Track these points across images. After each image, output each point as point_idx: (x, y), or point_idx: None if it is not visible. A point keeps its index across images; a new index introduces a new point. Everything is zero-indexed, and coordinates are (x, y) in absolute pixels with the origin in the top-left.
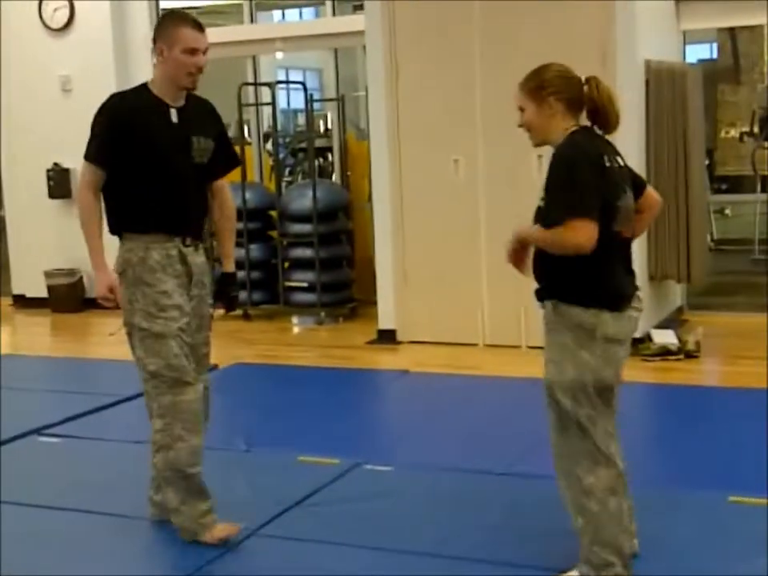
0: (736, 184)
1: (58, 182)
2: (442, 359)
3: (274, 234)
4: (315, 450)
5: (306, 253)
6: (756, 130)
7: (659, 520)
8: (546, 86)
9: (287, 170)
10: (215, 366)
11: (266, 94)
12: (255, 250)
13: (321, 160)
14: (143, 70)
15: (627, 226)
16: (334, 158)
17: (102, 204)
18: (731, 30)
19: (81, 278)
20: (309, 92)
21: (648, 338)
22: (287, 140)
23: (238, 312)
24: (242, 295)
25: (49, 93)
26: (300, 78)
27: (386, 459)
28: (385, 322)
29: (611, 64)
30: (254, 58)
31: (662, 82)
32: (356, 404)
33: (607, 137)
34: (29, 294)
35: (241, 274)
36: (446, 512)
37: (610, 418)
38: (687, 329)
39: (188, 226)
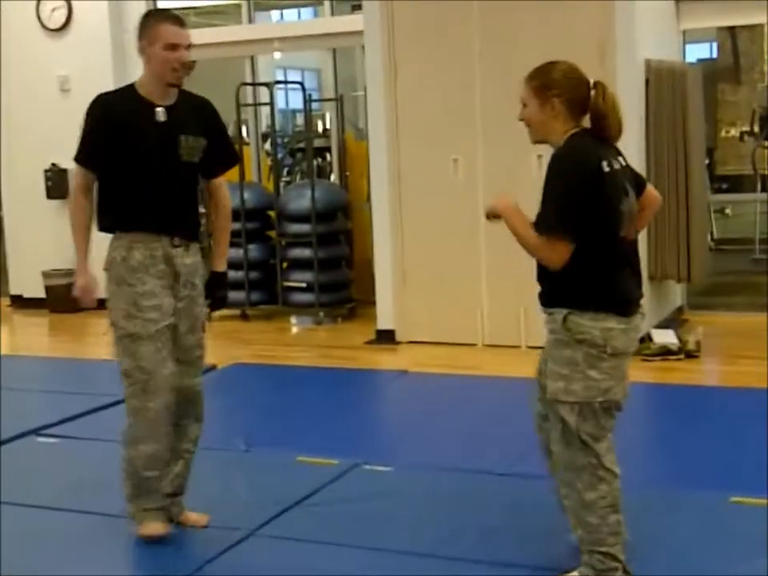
0: (736, 183)
1: (56, 183)
2: (441, 359)
3: (273, 234)
4: (314, 451)
5: (304, 253)
6: (756, 129)
7: (660, 520)
8: (552, 86)
9: (285, 170)
10: (214, 366)
11: (264, 94)
12: (253, 250)
13: (319, 160)
14: (141, 70)
15: (630, 229)
16: (333, 157)
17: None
18: (731, 29)
19: None
20: (307, 92)
21: (648, 337)
22: (285, 140)
23: (236, 312)
24: (241, 295)
25: (47, 93)
26: (298, 78)
27: (386, 459)
28: (384, 322)
29: (611, 63)
30: (252, 58)
31: (661, 82)
32: (355, 404)
33: None
34: (26, 295)
35: (239, 274)
36: (446, 512)
37: (611, 431)
38: (687, 328)
39: (175, 226)
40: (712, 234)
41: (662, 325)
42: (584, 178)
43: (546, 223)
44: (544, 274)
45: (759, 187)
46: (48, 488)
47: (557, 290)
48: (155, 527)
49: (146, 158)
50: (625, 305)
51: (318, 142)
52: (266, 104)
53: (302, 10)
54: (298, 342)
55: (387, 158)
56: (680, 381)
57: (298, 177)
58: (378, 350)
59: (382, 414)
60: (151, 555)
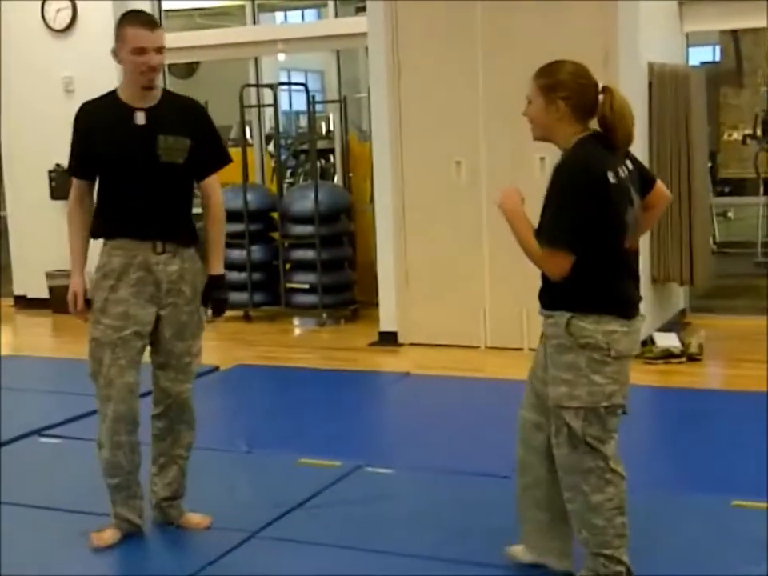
0: (738, 187)
1: (60, 183)
2: (444, 361)
3: (276, 235)
4: (316, 452)
5: (307, 254)
6: (759, 132)
7: (661, 523)
8: (559, 87)
9: (289, 172)
10: (216, 368)
11: (268, 96)
12: (256, 252)
13: (322, 162)
14: None
15: (634, 239)
16: (336, 159)
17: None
18: (734, 32)
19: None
20: (311, 93)
21: (650, 340)
22: (289, 141)
23: (239, 313)
24: (244, 297)
25: (51, 94)
26: (302, 80)
27: (388, 462)
28: (386, 323)
29: (614, 66)
30: (256, 59)
31: (665, 85)
32: (357, 406)
33: None
34: (30, 295)
35: (242, 276)
36: (448, 515)
37: (616, 431)
38: (690, 332)
39: (157, 231)
40: (714, 237)
41: (665, 328)
42: (589, 191)
43: (549, 235)
44: (546, 278)
45: (762, 190)
46: (50, 488)
47: (559, 293)
48: (99, 537)
49: (123, 161)
50: (627, 307)
51: (321, 144)
52: (269, 105)
53: (306, 11)
54: (301, 343)
55: (390, 159)
56: (682, 384)
57: (301, 178)
58: (381, 351)
59: (384, 415)
60: (152, 557)
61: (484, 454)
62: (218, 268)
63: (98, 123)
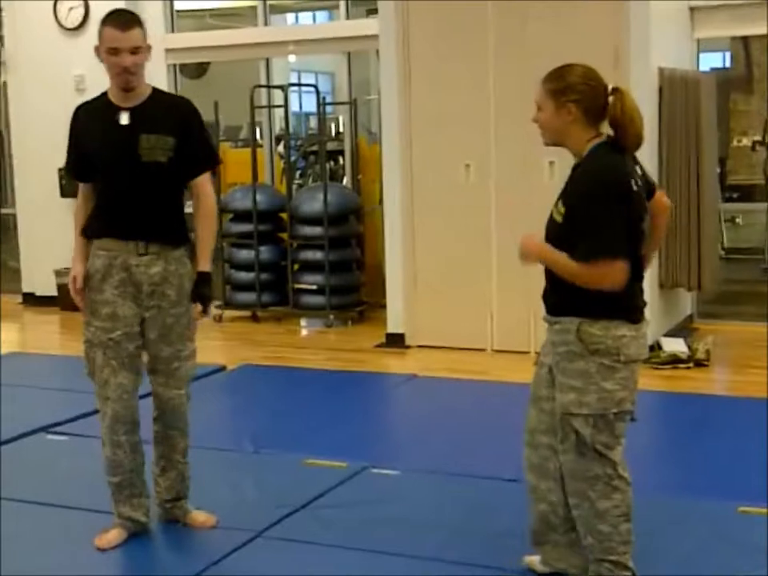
0: (747, 193)
1: (70, 181)
2: (450, 364)
3: (284, 236)
4: (322, 453)
5: (315, 255)
6: (767, 139)
7: (666, 529)
8: (569, 91)
9: (298, 173)
10: (223, 367)
11: (278, 97)
12: (265, 252)
13: (332, 163)
14: (157, 70)
15: (648, 247)
16: (346, 161)
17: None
18: (744, 39)
19: None
20: (321, 95)
21: (658, 345)
22: (299, 143)
23: (247, 313)
24: (252, 297)
25: (63, 92)
26: (312, 81)
27: (393, 463)
28: (394, 325)
29: (624, 70)
30: (267, 60)
31: (675, 90)
32: (363, 407)
33: None
34: (39, 293)
35: (250, 276)
36: (453, 517)
37: (624, 437)
38: (697, 337)
39: (138, 232)
40: (722, 243)
41: (672, 333)
42: (619, 199)
43: (599, 247)
44: (553, 283)
45: None
46: (57, 486)
47: (567, 298)
48: (104, 538)
49: (107, 161)
50: (635, 312)
51: (330, 146)
52: (279, 106)
53: (317, 13)
54: (308, 344)
55: (400, 162)
56: (689, 389)
57: (310, 179)
58: (388, 353)
59: (390, 417)
60: (157, 556)
61: (489, 457)
62: (204, 265)
63: (88, 124)
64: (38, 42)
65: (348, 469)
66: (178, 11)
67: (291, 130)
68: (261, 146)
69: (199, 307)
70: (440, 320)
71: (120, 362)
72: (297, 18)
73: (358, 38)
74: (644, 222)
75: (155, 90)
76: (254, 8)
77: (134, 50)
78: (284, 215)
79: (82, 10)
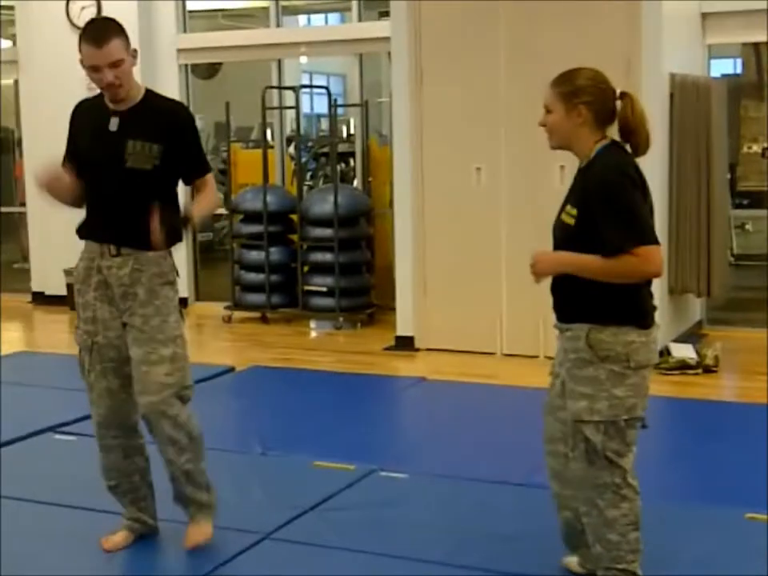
0: (757, 199)
1: None
2: (460, 367)
3: (295, 237)
4: (330, 455)
5: (325, 257)
6: None
7: (674, 535)
8: (580, 93)
9: (309, 174)
10: (232, 369)
11: (289, 98)
12: (275, 253)
13: (343, 165)
14: (169, 70)
15: None
16: (356, 163)
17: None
18: (756, 45)
19: None
20: (332, 97)
21: (667, 351)
22: (310, 144)
23: (256, 314)
24: (261, 298)
25: (73, 91)
26: (324, 83)
27: (402, 466)
28: (403, 328)
29: (636, 76)
30: (278, 61)
31: (686, 96)
32: (372, 410)
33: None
34: (48, 292)
35: (260, 277)
36: (461, 521)
37: (635, 444)
38: (706, 343)
39: (112, 235)
40: (732, 249)
41: (681, 339)
42: (636, 191)
43: (634, 236)
44: (561, 289)
45: None
46: (64, 486)
47: (576, 305)
48: (110, 540)
49: (91, 164)
50: (645, 317)
51: (341, 147)
52: (291, 108)
53: (329, 15)
54: (317, 346)
55: (411, 164)
56: (697, 395)
57: (321, 181)
58: (397, 356)
59: (399, 420)
60: (165, 557)
61: (498, 461)
62: (190, 212)
63: (82, 124)
64: (50, 41)
65: (356, 471)
66: (190, 12)
67: (302, 131)
68: (272, 147)
69: (157, 224)
70: (449, 323)
71: (103, 366)
72: (309, 19)
73: (369, 39)
74: (652, 218)
75: (148, 93)
76: (266, 9)
77: (115, 64)
78: (294, 216)
79: (94, 10)
